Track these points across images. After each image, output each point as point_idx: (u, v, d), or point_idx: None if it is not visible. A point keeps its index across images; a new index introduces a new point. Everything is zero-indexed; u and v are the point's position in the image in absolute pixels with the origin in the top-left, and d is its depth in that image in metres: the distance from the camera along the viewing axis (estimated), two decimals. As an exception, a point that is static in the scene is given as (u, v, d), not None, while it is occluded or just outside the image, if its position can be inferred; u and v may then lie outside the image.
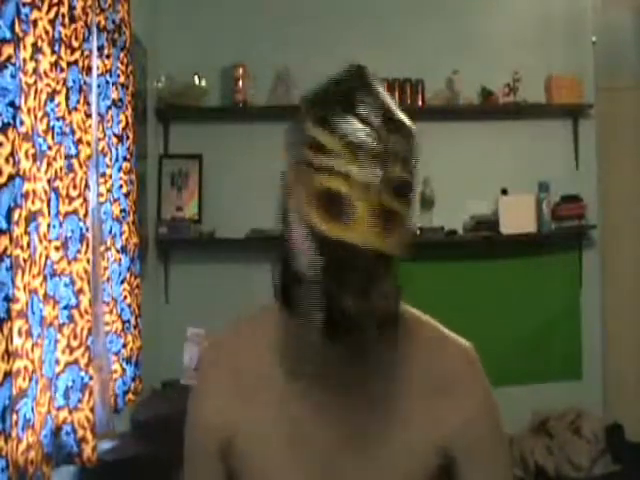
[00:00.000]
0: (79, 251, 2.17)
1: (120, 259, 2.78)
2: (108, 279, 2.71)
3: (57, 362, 2.05)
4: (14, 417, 1.67)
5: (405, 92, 4.14)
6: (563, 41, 4.34)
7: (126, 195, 2.82)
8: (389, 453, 1.05)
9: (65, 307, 2.12)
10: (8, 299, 1.53)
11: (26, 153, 1.76)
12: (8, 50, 1.56)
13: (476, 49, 4.24)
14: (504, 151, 4.29)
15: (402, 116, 0.97)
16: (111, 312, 2.72)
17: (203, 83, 4.03)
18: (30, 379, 1.78)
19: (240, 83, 4.05)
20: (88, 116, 2.30)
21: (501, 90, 4.22)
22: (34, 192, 1.83)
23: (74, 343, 2.13)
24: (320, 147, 0.93)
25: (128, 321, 2.81)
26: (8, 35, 1.56)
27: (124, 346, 2.77)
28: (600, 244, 4.38)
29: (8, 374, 1.51)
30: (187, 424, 1.16)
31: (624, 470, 3.89)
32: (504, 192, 4.20)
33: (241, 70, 4.04)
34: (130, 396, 2.80)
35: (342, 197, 0.91)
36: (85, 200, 2.21)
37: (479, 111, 4.27)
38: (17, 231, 1.68)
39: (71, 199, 2.15)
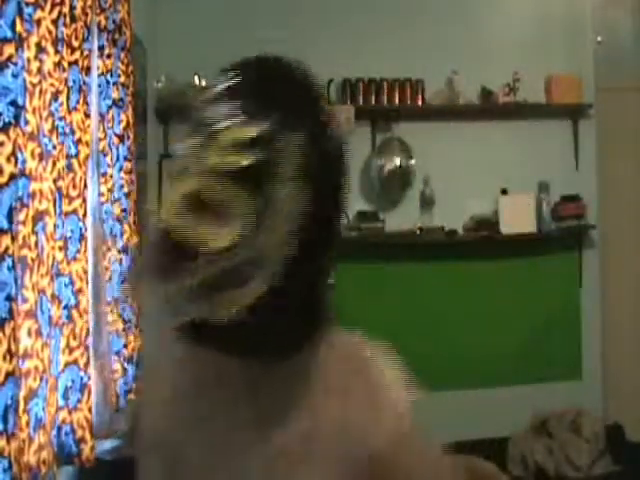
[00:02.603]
0: (78, 251, 2.18)
1: (121, 259, 2.78)
2: (109, 279, 2.71)
3: (58, 362, 2.06)
4: (25, 417, 1.67)
5: (405, 92, 4.14)
6: (563, 41, 4.34)
7: (127, 195, 2.82)
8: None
9: (65, 307, 2.12)
10: (10, 299, 1.53)
11: (32, 153, 1.76)
12: (9, 49, 1.56)
13: (476, 49, 4.24)
14: (504, 151, 4.29)
15: (271, 98, 0.89)
16: (111, 312, 2.72)
17: (203, 83, 4.03)
18: (41, 379, 1.78)
19: (240, 83, 4.04)
20: (87, 116, 2.30)
21: (501, 90, 4.23)
22: (41, 192, 1.83)
23: (73, 343, 2.13)
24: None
25: (130, 321, 2.81)
26: (9, 34, 1.56)
27: (125, 346, 2.77)
28: (600, 244, 4.38)
29: (11, 374, 1.51)
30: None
31: (624, 470, 3.89)
32: (504, 192, 4.20)
33: (241, 70, 4.04)
34: (131, 396, 2.81)
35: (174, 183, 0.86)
36: (84, 200, 2.21)
37: (479, 111, 4.27)
38: (24, 231, 1.68)
39: (71, 199, 2.15)
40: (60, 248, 2.01)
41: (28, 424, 1.70)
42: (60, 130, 2.01)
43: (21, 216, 1.66)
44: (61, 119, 2.02)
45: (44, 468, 1.79)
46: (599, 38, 4.33)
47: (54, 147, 1.94)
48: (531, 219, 4.18)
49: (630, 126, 4.47)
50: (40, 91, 1.80)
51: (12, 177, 1.55)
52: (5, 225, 1.54)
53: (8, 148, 1.54)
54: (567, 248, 4.34)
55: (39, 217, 1.81)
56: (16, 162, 1.57)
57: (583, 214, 4.25)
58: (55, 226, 1.93)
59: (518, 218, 4.15)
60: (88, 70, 2.36)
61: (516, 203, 4.18)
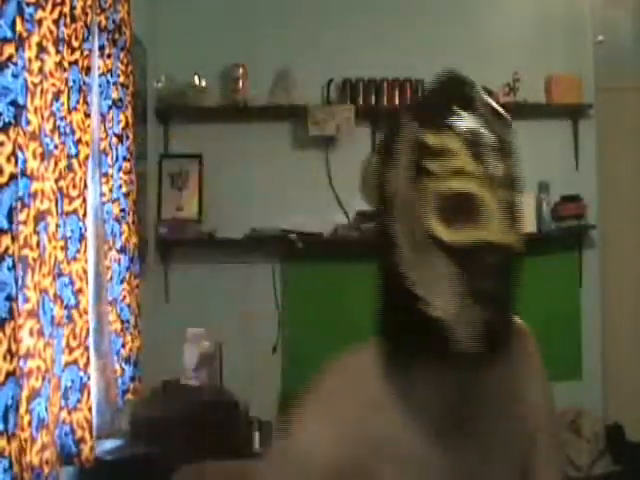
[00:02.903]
0: (78, 251, 2.18)
1: (120, 259, 2.78)
2: (109, 279, 2.71)
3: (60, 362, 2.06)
4: (27, 417, 1.67)
5: (405, 92, 4.14)
6: (563, 41, 4.34)
7: (126, 195, 2.82)
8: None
9: (65, 307, 2.12)
10: (11, 299, 1.52)
11: (34, 152, 1.76)
12: (9, 49, 1.56)
13: (476, 49, 4.23)
14: (504, 151, 4.28)
15: (501, 109, 0.95)
16: (111, 312, 2.72)
17: (203, 83, 4.03)
18: (43, 379, 1.78)
19: (240, 83, 4.05)
20: (87, 116, 2.30)
21: (501, 90, 4.22)
22: (42, 192, 1.83)
23: (73, 343, 2.13)
24: (435, 150, 0.88)
25: (127, 321, 2.81)
26: (9, 34, 1.56)
27: (123, 346, 2.77)
28: (600, 244, 4.38)
29: (11, 374, 1.51)
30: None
31: (624, 470, 3.88)
32: (504, 192, 4.19)
33: (241, 70, 4.04)
34: (129, 396, 2.81)
35: (469, 197, 0.86)
36: (84, 200, 2.22)
37: (479, 111, 4.27)
38: (26, 231, 1.68)
39: (71, 199, 2.15)
40: (61, 248, 2.02)
41: (30, 424, 1.70)
42: (61, 130, 2.01)
43: (22, 216, 1.66)
44: (62, 119, 2.02)
45: (47, 468, 1.79)
46: (600, 37, 4.33)
47: (55, 147, 1.94)
48: (531, 219, 4.17)
49: (630, 126, 4.47)
50: (41, 91, 1.80)
51: (12, 177, 1.55)
52: (5, 225, 1.54)
53: (8, 148, 1.54)
54: (567, 248, 4.33)
55: (41, 217, 1.81)
56: (16, 162, 1.57)
57: (583, 214, 4.24)
58: (57, 226, 1.93)
59: (518, 218, 4.14)
60: (88, 70, 2.36)
61: (516, 203, 4.18)
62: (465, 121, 0.88)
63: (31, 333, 1.74)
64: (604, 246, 4.40)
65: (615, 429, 4.08)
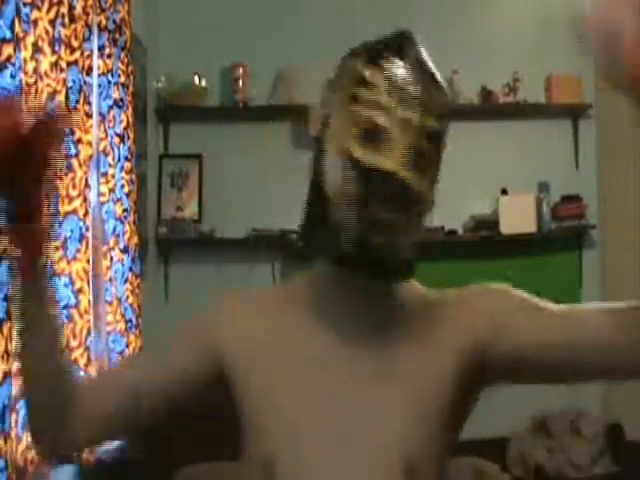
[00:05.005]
0: (79, 251, 2.18)
1: (123, 259, 2.78)
2: (111, 279, 2.71)
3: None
4: (14, 417, 1.67)
5: (405, 92, 4.14)
6: (563, 41, 4.34)
7: (128, 195, 2.83)
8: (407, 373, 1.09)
9: (64, 307, 2.12)
10: (7, 299, 1.53)
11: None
12: (8, 50, 1.56)
13: (476, 49, 4.24)
14: (504, 151, 4.28)
15: (441, 79, 1.08)
16: (115, 312, 2.72)
17: (203, 83, 4.03)
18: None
19: (240, 83, 4.05)
20: (89, 116, 2.31)
21: (501, 90, 4.23)
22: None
23: (73, 343, 2.13)
24: (367, 83, 1.01)
25: (131, 320, 2.81)
26: (8, 35, 1.56)
27: (127, 346, 2.78)
28: (600, 244, 4.38)
29: (8, 374, 1.51)
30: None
31: (624, 470, 3.89)
32: (504, 192, 4.20)
33: (241, 70, 4.04)
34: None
35: (382, 129, 0.98)
36: (85, 200, 2.22)
37: (479, 111, 4.27)
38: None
39: (71, 199, 2.15)
40: (56, 248, 2.02)
41: (17, 423, 1.70)
42: (59, 130, 2.01)
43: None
44: (60, 119, 2.02)
45: (31, 468, 1.79)
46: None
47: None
48: (531, 219, 4.18)
49: (630, 126, 4.46)
50: (36, 91, 1.80)
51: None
52: (3, 225, 1.54)
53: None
54: (567, 248, 4.34)
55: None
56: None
57: (583, 214, 4.25)
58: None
59: (518, 218, 4.15)
60: (90, 70, 2.36)
61: (516, 203, 4.18)
62: (397, 68, 1.02)
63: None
64: (604, 246, 4.40)
65: (615, 429, 4.08)
